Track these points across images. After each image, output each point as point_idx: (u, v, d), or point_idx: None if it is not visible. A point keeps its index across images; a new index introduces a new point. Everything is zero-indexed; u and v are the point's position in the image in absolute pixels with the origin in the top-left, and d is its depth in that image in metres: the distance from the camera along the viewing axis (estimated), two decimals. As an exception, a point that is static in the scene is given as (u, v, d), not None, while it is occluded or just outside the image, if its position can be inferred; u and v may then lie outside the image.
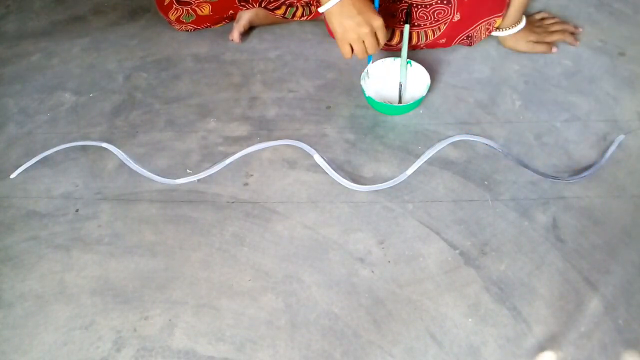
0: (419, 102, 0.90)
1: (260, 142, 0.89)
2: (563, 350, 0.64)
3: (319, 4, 0.83)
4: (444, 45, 1.00)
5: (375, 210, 0.79)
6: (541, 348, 0.64)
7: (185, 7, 1.06)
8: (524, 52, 1.00)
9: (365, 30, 0.79)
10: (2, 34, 1.20)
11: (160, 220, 0.81)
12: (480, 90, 0.95)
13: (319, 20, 1.09)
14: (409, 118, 0.91)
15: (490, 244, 0.74)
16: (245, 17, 1.08)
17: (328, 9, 0.79)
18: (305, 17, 1.07)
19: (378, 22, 0.79)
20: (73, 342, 0.69)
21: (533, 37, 0.99)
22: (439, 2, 0.91)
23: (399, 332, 0.67)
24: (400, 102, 0.93)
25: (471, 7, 0.91)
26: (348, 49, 0.82)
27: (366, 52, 0.83)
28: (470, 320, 0.67)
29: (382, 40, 0.82)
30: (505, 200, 0.79)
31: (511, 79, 0.96)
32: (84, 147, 0.92)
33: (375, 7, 0.82)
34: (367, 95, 0.89)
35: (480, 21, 0.94)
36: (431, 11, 0.92)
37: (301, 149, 0.88)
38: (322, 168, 0.84)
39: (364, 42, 0.81)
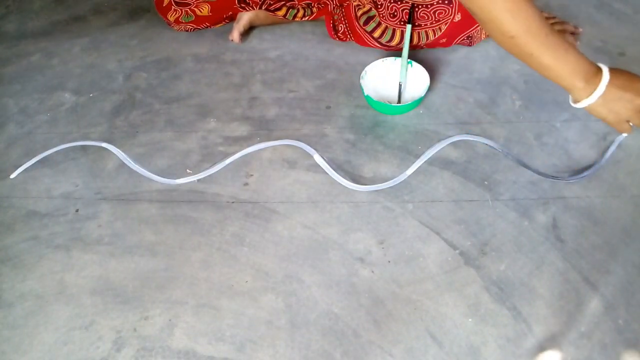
0: (418, 103, 0.90)
1: (260, 142, 0.89)
2: (563, 350, 0.64)
3: (573, 96, 0.75)
4: (444, 45, 1.00)
5: (375, 210, 0.79)
6: (541, 348, 0.64)
7: (184, 8, 1.06)
8: (524, 52, 0.99)
9: (638, 102, 0.72)
10: (2, 34, 1.20)
11: (160, 220, 0.81)
12: (480, 90, 0.95)
13: (320, 20, 1.09)
14: (409, 118, 0.91)
15: (490, 244, 0.74)
16: (245, 17, 1.08)
17: (591, 103, 0.73)
18: (306, 18, 1.07)
19: None
20: (73, 342, 0.69)
21: (533, 37, 0.99)
22: (439, 2, 0.91)
23: (399, 332, 0.67)
24: (399, 102, 0.93)
25: (471, 7, 0.91)
26: (628, 127, 0.76)
27: None
28: (470, 320, 0.67)
29: None
30: (505, 200, 0.79)
31: (511, 79, 0.96)
32: (84, 147, 0.92)
33: (635, 75, 0.74)
34: (365, 94, 0.89)
35: (481, 21, 0.94)
36: (432, 11, 0.92)
37: (301, 149, 0.88)
38: (322, 168, 0.84)
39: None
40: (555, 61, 0.70)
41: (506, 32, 0.68)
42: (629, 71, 0.74)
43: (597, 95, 0.72)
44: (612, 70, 0.72)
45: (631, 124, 0.76)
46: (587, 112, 0.75)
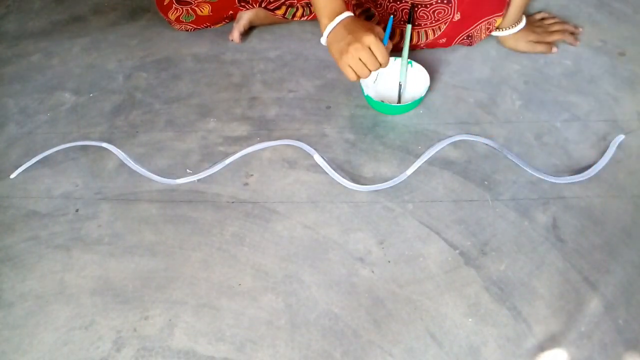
0: (418, 103, 0.90)
1: (260, 142, 0.89)
2: (563, 350, 0.64)
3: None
4: (444, 45, 1.00)
5: (375, 210, 0.79)
6: (541, 348, 0.64)
7: (185, 7, 1.06)
8: (524, 52, 1.00)
9: (356, 46, 0.77)
10: (2, 34, 1.20)
11: (160, 220, 0.81)
12: (480, 90, 0.95)
13: (319, 20, 1.09)
14: (409, 118, 0.91)
15: (490, 244, 0.74)
16: (245, 17, 1.08)
17: (325, 39, 0.82)
18: (305, 17, 1.07)
19: (369, 37, 0.77)
20: (73, 342, 0.69)
21: (533, 37, 0.99)
22: (439, 1, 0.91)
23: (399, 332, 0.67)
24: (399, 101, 0.93)
25: (471, 7, 0.91)
26: (350, 71, 0.80)
27: (367, 68, 0.80)
28: (470, 320, 0.67)
29: (380, 55, 0.78)
30: (505, 200, 0.79)
31: (511, 79, 0.96)
32: (84, 147, 0.92)
33: (372, 24, 0.81)
34: (365, 94, 0.89)
35: (481, 21, 0.94)
36: (431, 11, 0.92)
37: (301, 149, 0.88)
38: (322, 168, 0.84)
39: (361, 60, 0.79)
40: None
41: None
42: (371, 23, 0.81)
43: (328, 31, 0.81)
44: (354, 17, 0.81)
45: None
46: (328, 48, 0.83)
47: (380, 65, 0.80)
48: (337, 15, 0.80)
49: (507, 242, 0.74)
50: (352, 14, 0.81)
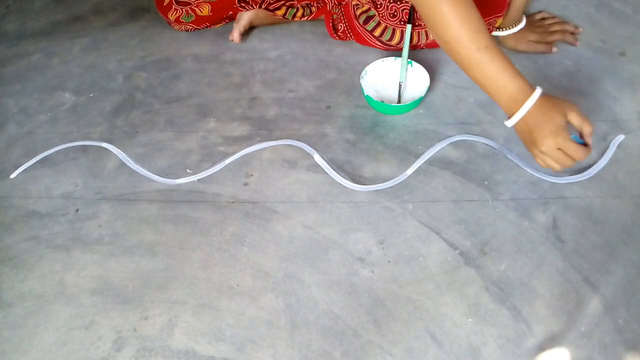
0: (418, 103, 0.90)
1: (260, 142, 0.89)
2: (563, 350, 0.64)
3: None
4: (444, 45, 1.00)
5: (375, 210, 0.79)
6: (541, 348, 0.64)
7: (184, 8, 1.06)
8: (524, 52, 1.00)
9: (563, 135, 0.67)
10: (2, 34, 1.20)
11: (160, 220, 0.81)
12: (480, 90, 0.94)
13: (319, 20, 1.09)
14: (409, 118, 0.91)
15: (490, 244, 0.74)
16: (245, 17, 1.08)
17: (514, 124, 0.71)
18: (305, 18, 1.07)
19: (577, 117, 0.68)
20: (73, 342, 0.69)
21: (533, 37, 0.99)
22: (439, 2, 0.90)
23: (399, 332, 0.67)
24: (399, 101, 0.93)
25: (471, 7, 0.91)
26: (550, 163, 0.71)
27: (570, 160, 0.69)
28: (470, 320, 0.67)
29: (588, 139, 0.70)
30: (505, 200, 0.79)
31: (511, 79, 0.96)
32: (84, 147, 0.92)
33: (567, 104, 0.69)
34: (366, 94, 0.89)
35: (481, 21, 0.94)
36: (431, 11, 0.92)
37: (301, 149, 0.88)
38: (322, 168, 0.84)
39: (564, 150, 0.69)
40: (485, 77, 0.70)
41: (440, 36, 0.70)
42: (558, 98, 0.70)
43: (519, 116, 0.69)
44: (542, 102, 0.68)
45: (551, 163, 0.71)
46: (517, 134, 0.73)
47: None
48: (522, 95, 0.69)
49: (507, 242, 0.74)
50: (540, 92, 0.69)
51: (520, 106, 0.69)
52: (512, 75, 0.69)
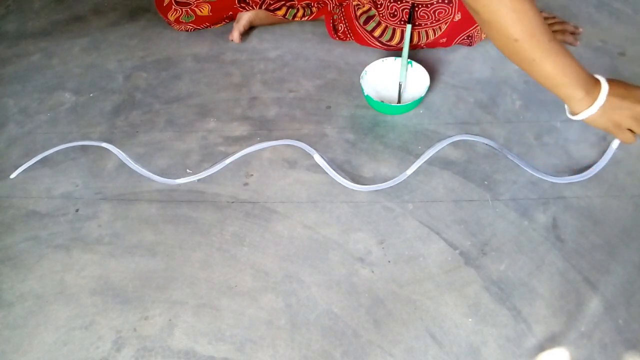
0: (418, 103, 0.90)
1: (260, 142, 0.89)
2: (563, 350, 0.64)
3: (571, 107, 0.73)
4: (445, 45, 1.00)
5: (375, 210, 0.79)
6: (541, 348, 0.64)
7: (184, 8, 1.06)
8: (524, 52, 0.99)
9: (638, 109, 0.69)
10: (2, 34, 1.20)
11: (160, 220, 0.81)
12: (480, 90, 0.95)
13: (319, 20, 1.09)
14: (409, 118, 0.91)
15: (490, 244, 0.74)
16: (245, 17, 1.08)
17: (591, 114, 0.71)
18: (306, 18, 1.07)
19: None
20: (73, 342, 0.69)
21: (533, 37, 0.98)
22: (440, 1, 0.91)
23: (399, 332, 0.67)
24: (399, 101, 0.93)
25: (472, 7, 0.91)
26: (630, 136, 0.72)
27: None
28: (470, 320, 0.67)
29: None
30: (505, 200, 0.79)
31: (511, 79, 0.96)
32: (84, 147, 0.92)
33: (629, 83, 0.71)
34: (365, 94, 0.89)
35: (481, 21, 0.94)
36: (432, 10, 0.92)
37: (301, 149, 0.88)
38: (322, 168, 0.84)
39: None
40: (557, 69, 0.68)
41: (510, 35, 0.66)
42: (624, 81, 0.72)
43: (598, 105, 0.69)
44: (610, 81, 0.70)
45: (634, 132, 0.73)
46: (586, 123, 0.73)
47: None
48: (592, 85, 0.69)
49: (507, 242, 0.74)
50: (606, 82, 0.70)
51: (596, 95, 0.69)
52: (578, 64, 0.69)
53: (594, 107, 0.70)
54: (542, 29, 0.66)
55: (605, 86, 0.69)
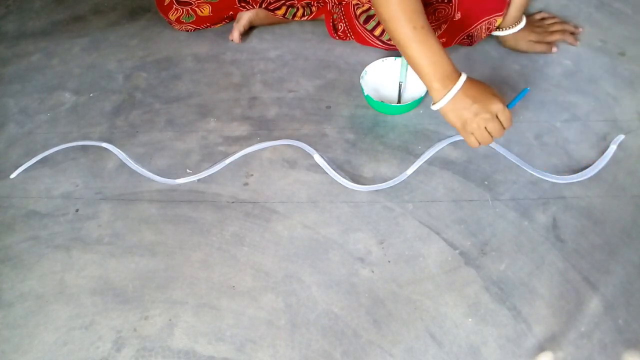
0: (418, 103, 0.90)
1: (260, 142, 0.89)
2: (563, 350, 0.64)
3: (432, 97, 0.76)
4: (444, 45, 1.00)
5: (375, 210, 0.79)
6: (541, 348, 0.64)
7: (185, 8, 1.06)
8: (524, 52, 1.00)
9: (484, 116, 0.72)
10: (2, 34, 1.20)
11: (160, 220, 0.81)
12: (480, 90, 0.94)
13: (319, 20, 1.09)
14: (409, 118, 0.91)
15: (490, 244, 0.74)
16: (245, 17, 1.08)
17: (442, 107, 0.74)
18: (305, 17, 1.07)
19: (497, 106, 0.72)
20: (73, 342, 0.69)
21: (533, 37, 0.99)
22: (439, 1, 0.90)
23: (399, 332, 0.67)
24: (399, 101, 0.93)
25: (472, 7, 0.91)
26: (473, 140, 0.75)
27: (491, 137, 0.74)
28: (470, 320, 0.67)
29: (506, 123, 0.73)
30: (505, 200, 0.79)
31: (511, 79, 0.96)
32: (84, 147, 0.92)
33: (493, 89, 0.74)
34: (365, 94, 0.89)
35: (481, 20, 0.94)
36: (432, 10, 0.92)
37: (301, 149, 0.88)
38: (322, 168, 0.84)
39: (486, 128, 0.73)
40: (419, 56, 0.73)
41: (380, 13, 0.73)
42: (488, 85, 0.75)
43: (447, 99, 0.73)
44: (470, 80, 0.74)
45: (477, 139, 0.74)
46: (442, 115, 0.76)
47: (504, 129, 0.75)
48: (451, 80, 0.73)
49: (507, 242, 0.74)
50: (466, 76, 0.74)
51: (450, 88, 0.73)
52: (444, 57, 0.73)
53: (444, 100, 0.73)
54: (411, 15, 0.71)
55: (460, 83, 0.73)
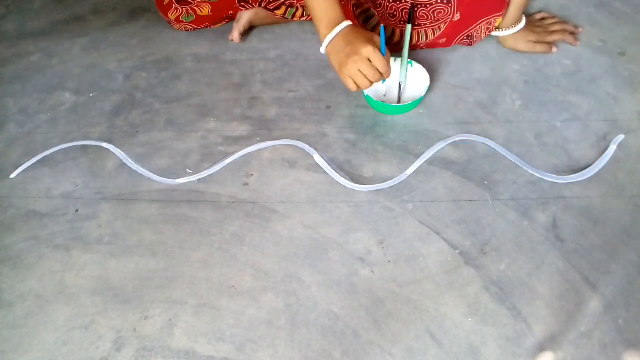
0: (418, 103, 0.90)
1: (260, 142, 0.89)
2: (563, 350, 0.64)
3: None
4: (444, 45, 1.00)
5: (375, 210, 0.79)
6: (541, 348, 0.64)
7: (185, 7, 1.06)
8: (524, 52, 1.00)
9: (354, 58, 0.77)
10: (2, 34, 1.20)
11: (160, 220, 0.81)
12: (480, 90, 0.95)
13: (319, 20, 1.09)
14: (409, 118, 0.91)
15: (490, 244, 0.74)
16: (245, 17, 1.08)
17: (324, 49, 0.83)
18: (305, 17, 1.07)
19: (366, 49, 0.77)
20: (73, 342, 0.69)
21: (533, 37, 0.99)
22: (439, 1, 0.91)
23: (399, 332, 0.67)
24: (399, 101, 0.93)
25: (471, 7, 0.91)
26: (350, 83, 0.81)
27: (368, 80, 0.80)
28: (470, 320, 0.67)
29: (380, 66, 0.79)
30: (505, 200, 0.79)
31: (511, 79, 0.96)
32: (84, 147, 0.92)
33: (371, 34, 0.80)
34: (365, 94, 0.89)
35: (481, 21, 0.94)
36: (431, 10, 0.92)
37: (301, 149, 0.88)
38: (322, 168, 0.84)
39: (361, 71, 0.79)
40: (313, 5, 0.81)
41: None
42: (370, 32, 0.81)
43: (327, 41, 0.81)
44: (352, 27, 0.81)
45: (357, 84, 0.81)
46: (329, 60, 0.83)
47: (382, 75, 0.80)
48: (335, 25, 0.80)
49: (507, 242, 0.74)
50: (350, 23, 0.81)
51: (332, 30, 0.80)
52: (333, 6, 0.81)
53: (324, 42, 0.82)
54: None
55: (339, 28, 0.80)
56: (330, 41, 0.81)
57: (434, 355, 0.65)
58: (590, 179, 0.80)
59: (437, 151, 0.85)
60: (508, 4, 0.93)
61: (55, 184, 0.87)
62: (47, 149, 0.92)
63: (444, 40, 0.98)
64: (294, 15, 1.06)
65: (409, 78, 0.93)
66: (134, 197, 0.84)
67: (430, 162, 0.84)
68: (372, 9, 0.97)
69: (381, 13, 0.96)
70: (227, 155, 0.88)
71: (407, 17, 0.93)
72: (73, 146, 0.92)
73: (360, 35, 0.79)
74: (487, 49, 1.02)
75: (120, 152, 0.90)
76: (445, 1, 0.90)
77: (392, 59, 0.93)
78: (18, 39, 1.17)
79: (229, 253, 0.76)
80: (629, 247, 0.72)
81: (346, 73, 0.80)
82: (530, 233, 0.75)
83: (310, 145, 0.87)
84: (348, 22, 0.81)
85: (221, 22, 1.13)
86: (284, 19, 1.08)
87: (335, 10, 0.81)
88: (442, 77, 0.98)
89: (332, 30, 0.80)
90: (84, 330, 0.70)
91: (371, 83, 0.81)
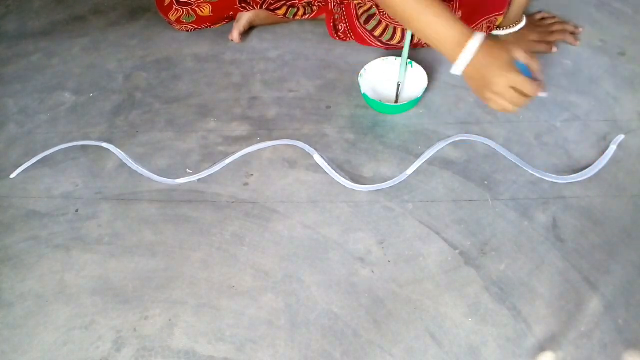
0: (415, 103, 0.89)
1: (260, 142, 0.89)
2: (563, 350, 0.64)
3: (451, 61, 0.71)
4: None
5: (375, 210, 0.79)
6: (541, 348, 0.64)
7: (185, 8, 1.06)
8: (525, 52, 0.99)
9: (501, 90, 0.67)
10: (2, 34, 1.20)
11: (160, 220, 0.81)
12: (480, 90, 0.94)
13: (320, 20, 1.09)
14: (409, 118, 0.91)
15: (490, 244, 0.74)
16: (245, 17, 1.08)
17: (461, 70, 0.70)
18: (306, 16, 1.07)
19: (514, 78, 0.66)
20: (73, 342, 0.69)
21: (533, 37, 0.99)
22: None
23: (399, 332, 0.67)
24: (397, 101, 0.93)
25: (472, 6, 0.91)
26: (502, 102, 0.69)
27: (516, 103, 0.68)
28: (470, 320, 0.67)
29: (528, 92, 0.67)
30: (505, 200, 0.79)
31: (511, 79, 0.96)
32: (84, 147, 0.92)
33: (505, 49, 0.68)
34: (363, 92, 0.89)
35: (482, 19, 0.94)
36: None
37: (301, 149, 0.88)
38: (322, 168, 0.84)
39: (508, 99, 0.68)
40: (424, 25, 0.70)
41: None
42: (502, 47, 0.68)
43: (464, 62, 0.68)
44: (488, 42, 0.68)
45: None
46: (465, 80, 0.73)
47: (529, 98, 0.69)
48: (464, 42, 0.68)
49: (507, 242, 0.74)
50: (483, 35, 0.68)
51: (466, 46, 0.68)
52: (452, 20, 0.69)
53: (459, 65, 0.69)
54: None
55: (472, 47, 0.67)
56: (470, 60, 0.68)
57: (434, 355, 0.65)
58: (590, 179, 0.80)
59: (437, 151, 0.85)
60: (509, 3, 0.93)
61: (55, 184, 0.87)
62: (47, 149, 0.92)
63: (444, 40, 0.98)
64: (295, 15, 1.06)
65: (407, 78, 0.93)
66: (134, 197, 0.84)
67: (430, 162, 0.84)
68: (373, 7, 0.97)
69: (383, 12, 0.95)
70: (227, 155, 0.88)
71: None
72: (73, 146, 0.92)
73: (499, 56, 0.67)
74: (487, 49, 1.02)
75: (120, 152, 0.90)
76: (446, 0, 0.90)
77: (392, 59, 0.93)
78: (18, 39, 1.17)
79: (229, 253, 0.76)
80: (629, 247, 0.72)
81: (495, 105, 0.70)
82: (530, 233, 0.75)
83: (310, 145, 0.87)
84: (480, 35, 0.68)
85: (221, 22, 1.13)
86: (284, 19, 1.08)
87: (461, 23, 0.69)
88: (442, 77, 0.98)
89: (462, 49, 0.68)
90: (84, 330, 0.70)
91: (528, 100, 0.68)
